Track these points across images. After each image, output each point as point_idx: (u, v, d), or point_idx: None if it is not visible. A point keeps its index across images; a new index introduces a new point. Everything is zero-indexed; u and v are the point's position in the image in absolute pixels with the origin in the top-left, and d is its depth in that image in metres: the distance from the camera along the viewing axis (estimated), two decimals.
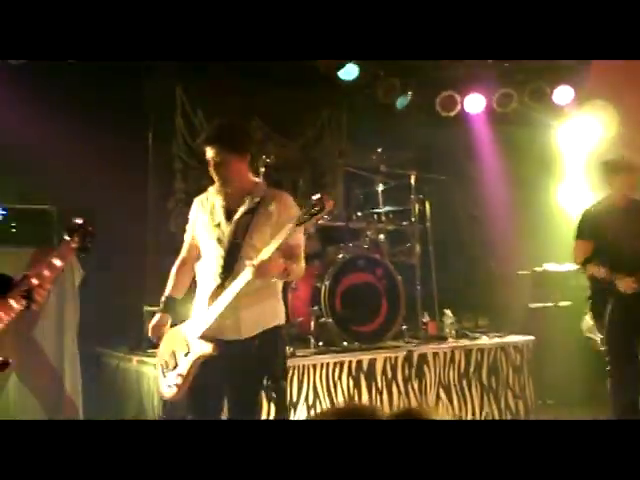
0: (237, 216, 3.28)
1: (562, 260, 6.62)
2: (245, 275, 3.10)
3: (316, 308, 5.05)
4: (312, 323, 5.00)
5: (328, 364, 4.69)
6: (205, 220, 3.37)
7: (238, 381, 3.24)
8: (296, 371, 4.55)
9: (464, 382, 5.13)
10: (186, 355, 3.22)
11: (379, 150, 5.78)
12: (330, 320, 4.99)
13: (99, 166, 4.86)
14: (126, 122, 5.32)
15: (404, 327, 5.33)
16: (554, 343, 5.93)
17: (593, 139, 6.88)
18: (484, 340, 5.48)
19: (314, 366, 4.63)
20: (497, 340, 5.50)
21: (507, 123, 7.05)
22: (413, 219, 5.69)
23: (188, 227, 3.50)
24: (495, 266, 6.67)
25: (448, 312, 5.59)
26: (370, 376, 4.80)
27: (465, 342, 5.38)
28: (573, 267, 6.50)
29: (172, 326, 3.36)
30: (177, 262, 3.50)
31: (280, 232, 3.09)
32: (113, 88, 5.26)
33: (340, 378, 4.70)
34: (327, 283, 5.02)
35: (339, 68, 6.15)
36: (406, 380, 4.92)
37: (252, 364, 3.22)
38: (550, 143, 7.22)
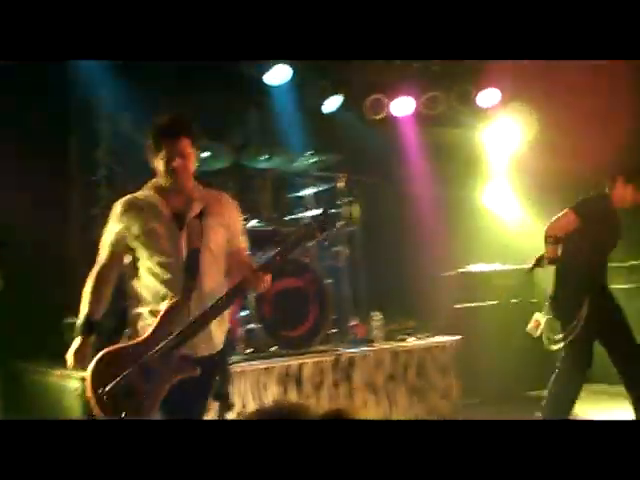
0: (188, 220, 3.11)
1: (487, 260, 6.79)
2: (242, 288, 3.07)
3: (244, 314, 5.05)
4: (240, 329, 4.99)
5: (257, 370, 4.69)
6: (149, 226, 3.09)
7: (202, 396, 3.12)
8: None
9: (392, 384, 5.20)
10: (149, 379, 2.91)
11: (309, 153, 5.80)
12: (259, 326, 4.99)
13: (18, 174, 4.73)
14: (47, 128, 5.19)
15: (333, 331, 5.37)
16: (480, 342, 6.06)
17: (515, 141, 7.06)
18: (411, 342, 5.56)
19: (243, 372, 4.62)
20: (424, 341, 5.59)
21: (435, 125, 7.17)
22: (342, 222, 5.73)
23: (110, 234, 3.15)
24: (423, 268, 6.77)
25: (376, 314, 5.65)
26: (299, 381, 4.81)
27: (393, 344, 5.45)
28: (498, 267, 6.69)
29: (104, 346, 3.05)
30: (94, 276, 3.12)
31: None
32: (34, 93, 5.11)
33: (268, 385, 4.70)
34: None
35: (267, 70, 6.14)
36: (335, 384, 4.95)
37: (215, 378, 3.14)
38: (476, 145, 7.37)
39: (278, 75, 6.19)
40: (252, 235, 5.36)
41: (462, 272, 6.60)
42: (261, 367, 4.71)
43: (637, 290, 6.31)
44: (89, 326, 3.05)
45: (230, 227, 3.22)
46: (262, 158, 5.59)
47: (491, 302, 6.36)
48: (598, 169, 6.41)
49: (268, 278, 3.10)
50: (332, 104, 6.72)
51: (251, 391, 4.61)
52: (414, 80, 6.96)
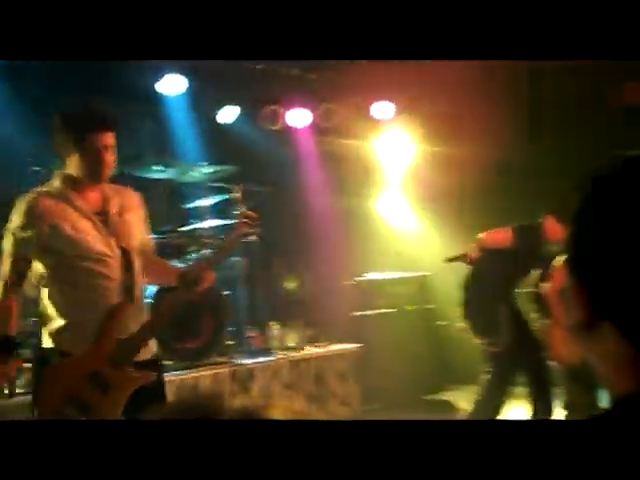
0: (111, 217, 2.95)
1: (383, 268, 6.90)
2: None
3: None
4: None
5: None
6: (69, 224, 2.85)
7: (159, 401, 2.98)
8: None
9: (289, 392, 5.19)
10: (105, 390, 2.73)
11: (204, 164, 5.74)
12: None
13: None
14: None
15: (230, 342, 5.31)
16: (378, 349, 6.14)
17: (409, 152, 7.23)
18: (310, 350, 5.57)
19: None
20: (323, 350, 5.61)
21: (331, 136, 7.25)
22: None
23: (15, 238, 2.85)
24: (321, 276, 6.81)
25: (274, 324, 5.63)
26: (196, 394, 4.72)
27: (291, 354, 5.44)
28: (395, 275, 6.80)
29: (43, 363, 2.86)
30: (7, 288, 2.83)
31: None
32: None
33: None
34: (150, 301, 4.89)
35: (160, 79, 6.04)
36: (232, 396, 4.89)
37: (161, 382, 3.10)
38: (372, 155, 7.50)
39: (172, 85, 6.11)
40: None
41: (359, 280, 6.67)
42: None
43: None
44: (9, 344, 2.81)
45: (142, 224, 3.13)
46: (156, 168, 5.48)
47: (388, 309, 6.46)
48: (486, 178, 6.72)
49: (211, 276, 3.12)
50: (227, 114, 6.69)
51: None
52: (309, 92, 7.03)
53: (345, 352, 5.67)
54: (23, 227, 2.83)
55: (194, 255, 5.44)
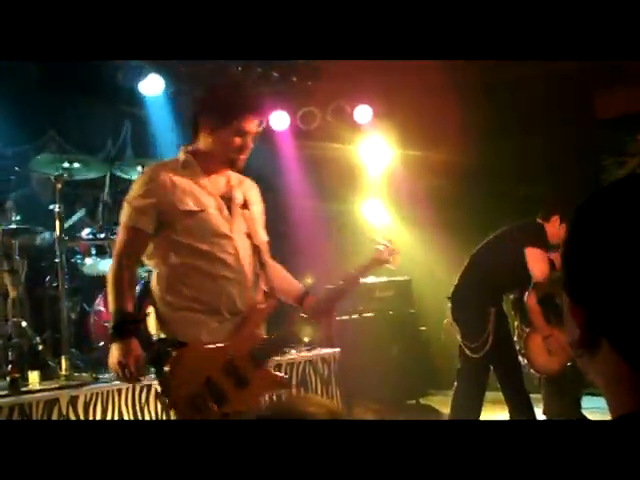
0: (235, 207, 2.73)
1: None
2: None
3: None
4: None
5: (134, 388, 4.49)
6: (197, 206, 2.62)
7: None
8: (99, 397, 4.30)
9: (273, 397, 5.13)
10: (242, 386, 2.56)
11: None
12: None
13: None
14: None
15: None
16: (361, 353, 6.12)
17: (387, 156, 7.24)
18: (293, 355, 5.52)
19: (119, 391, 4.41)
20: (305, 354, 5.57)
21: (312, 140, 7.23)
22: None
23: (131, 210, 2.62)
24: (302, 280, 6.76)
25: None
26: None
27: (275, 357, 5.38)
28: (378, 279, 6.79)
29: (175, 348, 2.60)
30: (121, 259, 2.59)
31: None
32: None
33: (147, 402, 4.51)
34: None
35: (142, 80, 5.98)
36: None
37: None
38: (353, 159, 7.50)
39: (152, 85, 6.05)
40: None
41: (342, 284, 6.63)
42: (139, 385, 4.50)
43: None
44: (131, 323, 2.57)
45: (261, 219, 2.91)
46: (137, 170, 5.40)
47: (370, 314, 6.44)
48: (467, 183, 6.76)
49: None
50: None
51: (127, 409, 4.40)
52: (290, 95, 7.02)
53: (327, 356, 5.63)
54: (142, 197, 2.61)
55: None
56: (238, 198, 2.76)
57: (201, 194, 2.66)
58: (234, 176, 2.82)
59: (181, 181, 2.64)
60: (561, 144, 6.66)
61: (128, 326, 2.55)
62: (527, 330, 4.86)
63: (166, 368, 2.55)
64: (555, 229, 4.46)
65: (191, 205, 2.61)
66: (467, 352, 4.35)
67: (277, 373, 2.79)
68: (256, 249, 2.77)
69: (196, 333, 2.59)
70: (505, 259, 4.46)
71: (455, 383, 4.50)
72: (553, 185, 6.59)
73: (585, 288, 0.87)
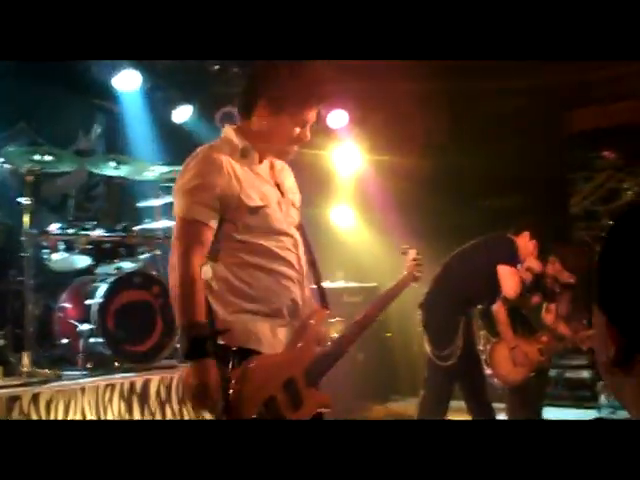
0: (288, 198, 2.49)
1: (336, 278, 6.91)
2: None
3: (86, 327, 4.78)
4: (81, 343, 4.71)
5: (98, 387, 4.43)
6: (254, 192, 2.36)
7: None
8: (62, 395, 4.24)
9: None
10: (297, 407, 2.31)
11: (159, 163, 5.63)
12: (101, 340, 4.74)
13: None
14: None
15: (178, 346, 5.20)
16: None
17: (358, 161, 7.26)
18: None
19: (82, 390, 4.35)
20: None
21: None
22: None
23: (188, 199, 2.30)
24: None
25: None
26: (143, 398, 4.60)
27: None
28: (346, 285, 6.81)
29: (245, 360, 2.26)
30: (188, 259, 2.21)
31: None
32: None
33: (111, 401, 4.46)
34: (99, 301, 4.77)
35: (115, 74, 5.90)
36: (180, 401, 4.78)
37: None
38: (326, 164, 7.50)
39: (128, 81, 5.97)
40: (98, 245, 5.16)
41: (311, 289, 6.63)
42: (103, 384, 4.46)
43: None
44: (208, 338, 2.18)
45: (300, 210, 2.62)
46: (110, 165, 5.34)
47: (338, 319, 6.44)
48: (435, 191, 6.81)
49: None
50: (182, 114, 6.58)
51: (90, 408, 4.34)
52: None
53: None
54: (203, 187, 2.28)
55: (146, 255, 5.33)
56: (286, 188, 2.51)
57: (262, 186, 2.39)
58: (278, 162, 2.55)
59: (242, 171, 2.35)
60: (529, 158, 6.75)
61: (206, 343, 2.17)
62: (493, 340, 4.91)
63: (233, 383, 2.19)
64: (525, 243, 4.57)
65: (257, 200, 2.33)
66: (435, 360, 4.38)
67: (322, 393, 2.45)
68: (307, 245, 2.53)
69: (258, 340, 2.30)
70: (477, 271, 4.51)
71: (422, 391, 4.53)
72: (522, 198, 6.67)
73: (622, 307, 0.87)
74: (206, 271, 2.30)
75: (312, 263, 2.55)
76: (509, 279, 4.44)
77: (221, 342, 2.24)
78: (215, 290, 2.31)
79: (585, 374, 6.11)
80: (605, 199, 6.86)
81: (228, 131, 2.49)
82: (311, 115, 2.43)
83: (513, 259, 4.50)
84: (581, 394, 6.03)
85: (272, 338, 2.33)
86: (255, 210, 2.32)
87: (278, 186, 2.47)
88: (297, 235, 2.48)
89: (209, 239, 2.28)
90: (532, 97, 6.57)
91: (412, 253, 3.05)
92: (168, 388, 4.74)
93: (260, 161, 2.46)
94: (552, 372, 5.48)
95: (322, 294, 2.55)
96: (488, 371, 4.83)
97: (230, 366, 2.19)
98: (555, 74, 6.34)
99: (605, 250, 0.91)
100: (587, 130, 6.81)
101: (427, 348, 4.50)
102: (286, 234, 2.42)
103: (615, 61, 5.90)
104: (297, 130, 2.41)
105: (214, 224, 2.28)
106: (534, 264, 4.74)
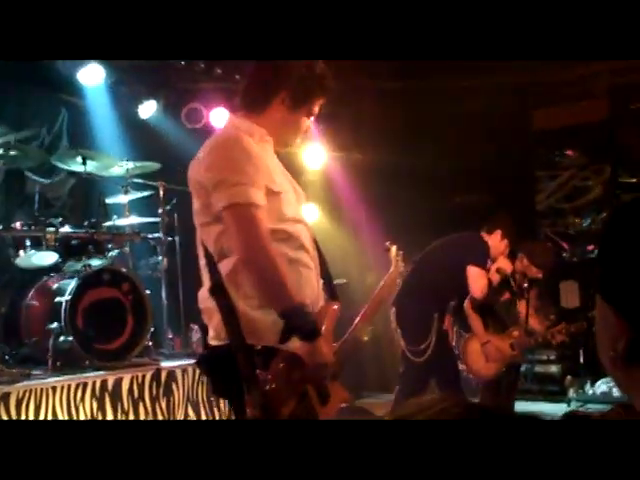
0: (298, 188, 2.48)
1: None
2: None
3: (55, 325, 4.66)
4: (50, 342, 4.60)
5: (69, 386, 4.33)
6: (283, 184, 2.35)
7: None
8: (32, 395, 4.13)
9: (213, 398, 5.05)
10: (324, 402, 2.29)
11: (126, 159, 5.53)
12: (70, 338, 4.63)
13: None
14: None
15: (150, 344, 5.12)
16: None
17: (324, 159, 7.26)
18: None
19: (53, 389, 4.25)
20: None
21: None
22: (161, 231, 5.53)
23: (249, 183, 2.20)
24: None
25: (195, 327, 5.49)
26: (115, 396, 4.51)
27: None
28: None
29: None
30: (265, 244, 2.18)
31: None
32: None
33: (83, 400, 4.36)
34: (68, 298, 4.66)
35: (80, 68, 5.78)
36: (153, 399, 4.71)
37: None
38: (292, 161, 7.49)
39: (92, 75, 5.86)
40: (65, 241, 5.04)
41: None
42: (74, 383, 4.36)
43: None
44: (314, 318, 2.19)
45: None
46: (77, 161, 5.23)
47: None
48: (403, 188, 6.85)
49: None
50: (147, 110, 6.49)
51: (61, 407, 4.25)
52: (232, 92, 6.93)
53: None
54: (248, 171, 2.21)
55: (115, 252, 5.23)
56: (293, 180, 2.50)
57: (278, 173, 2.36)
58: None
59: (263, 156, 2.31)
60: (496, 156, 6.84)
61: (315, 322, 2.20)
62: (466, 335, 4.96)
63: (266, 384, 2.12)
64: (497, 243, 4.65)
65: (278, 185, 2.29)
66: (410, 356, 4.40)
67: (344, 388, 2.42)
68: (313, 236, 2.47)
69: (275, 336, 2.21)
70: (449, 268, 4.56)
71: (397, 387, 4.55)
72: (490, 195, 6.75)
73: (632, 301, 0.85)
74: (226, 264, 2.24)
75: (321, 256, 2.49)
76: (477, 281, 4.52)
77: (249, 342, 2.17)
78: (236, 283, 2.23)
79: (554, 368, 6.22)
80: (569, 197, 7.00)
81: (240, 120, 2.42)
82: (317, 108, 2.45)
83: (483, 260, 4.57)
84: (550, 388, 6.13)
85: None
86: (277, 195, 2.28)
87: (287, 176, 2.47)
88: (308, 225, 2.46)
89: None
90: (499, 96, 6.66)
91: (394, 249, 3.06)
92: (140, 386, 4.66)
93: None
94: (522, 367, 5.55)
95: (332, 287, 2.50)
96: (461, 366, 4.88)
97: (257, 365, 2.12)
98: (521, 74, 6.45)
99: (609, 243, 0.89)
100: (551, 129, 6.93)
101: (401, 344, 4.53)
102: (302, 222, 2.39)
103: (578, 62, 6.03)
104: (306, 122, 2.45)
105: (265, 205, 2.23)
106: (505, 265, 4.81)
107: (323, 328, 2.28)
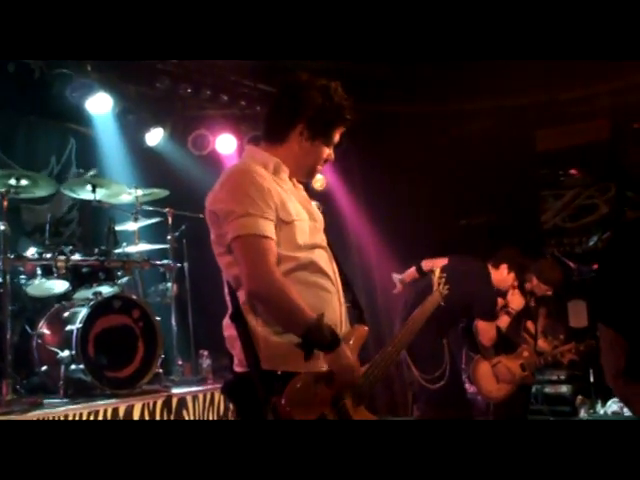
0: (319, 217, 2.50)
1: None
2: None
3: (66, 354, 4.68)
4: (61, 370, 4.61)
5: (81, 414, 4.34)
6: (292, 207, 2.34)
7: None
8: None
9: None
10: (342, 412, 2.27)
11: (134, 186, 5.58)
12: (82, 366, 4.65)
13: None
14: None
15: (160, 370, 5.13)
16: None
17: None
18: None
19: (66, 417, 4.26)
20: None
21: None
22: (170, 258, 5.56)
23: (261, 216, 2.24)
24: None
25: (204, 353, 5.50)
26: None
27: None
28: None
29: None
30: (275, 270, 2.22)
31: None
32: None
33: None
34: (79, 326, 4.68)
35: (88, 97, 5.85)
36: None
37: None
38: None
39: (100, 103, 5.92)
40: (76, 269, 5.07)
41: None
42: (86, 411, 4.36)
43: None
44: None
45: None
46: (86, 189, 5.28)
47: None
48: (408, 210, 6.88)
49: None
50: (155, 137, 6.55)
51: None
52: (237, 119, 7.00)
53: None
54: (258, 204, 2.23)
55: (125, 279, 5.26)
56: (313, 208, 2.50)
57: (293, 202, 2.36)
58: (298, 184, 2.54)
59: (277, 186, 2.33)
60: (501, 177, 6.87)
61: (334, 331, 2.23)
62: (475, 357, 4.96)
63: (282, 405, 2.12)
64: (503, 276, 4.69)
65: (293, 215, 2.31)
66: (425, 384, 4.39)
67: (369, 413, 2.38)
68: (338, 263, 2.49)
69: (305, 365, 2.20)
70: (456, 294, 4.54)
71: (417, 413, 4.57)
72: (496, 216, 6.78)
73: (629, 319, 0.88)
74: (243, 292, 2.28)
75: (345, 280, 2.50)
76: (487, 333, 4.60)
77: (265, 368, 2.18)
78: (255, 310, 2.25)
79: (564, 389, 6.19)
80: (575, 216, 7.03)
81: (256, 150, 2.47)
82: (338, 136, 2.45)
83: (491, 311, 4.62)
84: (561, 409, 6.10)
85: (317, 359, 2.23)
86: (292, 223, 2.31)
87: (305, 205, 2.46)
88: (329, 251, 2.46)
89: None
90: (501, 118, 6.71)
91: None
92: (152, 413, 4.67)
93: (290, 180, 2.47)
94: (532, 388, 5.54)
95: (360, 311, 2.50)
96: (472, 388, 4.87)
97: (276, 390, 2.13)
98: (523, 94, 6.51)
99: (606, 266, 0.92)
100: (556, 149, 6.97)
101: (414, 373, 4.48)
102: (322, 247, 2.40)
103: (582, 81, 6.09)
104: (327, 151, 2.45)
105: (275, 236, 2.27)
106: (515, 303, 4.82)
107: (350, 342, 2.31)
